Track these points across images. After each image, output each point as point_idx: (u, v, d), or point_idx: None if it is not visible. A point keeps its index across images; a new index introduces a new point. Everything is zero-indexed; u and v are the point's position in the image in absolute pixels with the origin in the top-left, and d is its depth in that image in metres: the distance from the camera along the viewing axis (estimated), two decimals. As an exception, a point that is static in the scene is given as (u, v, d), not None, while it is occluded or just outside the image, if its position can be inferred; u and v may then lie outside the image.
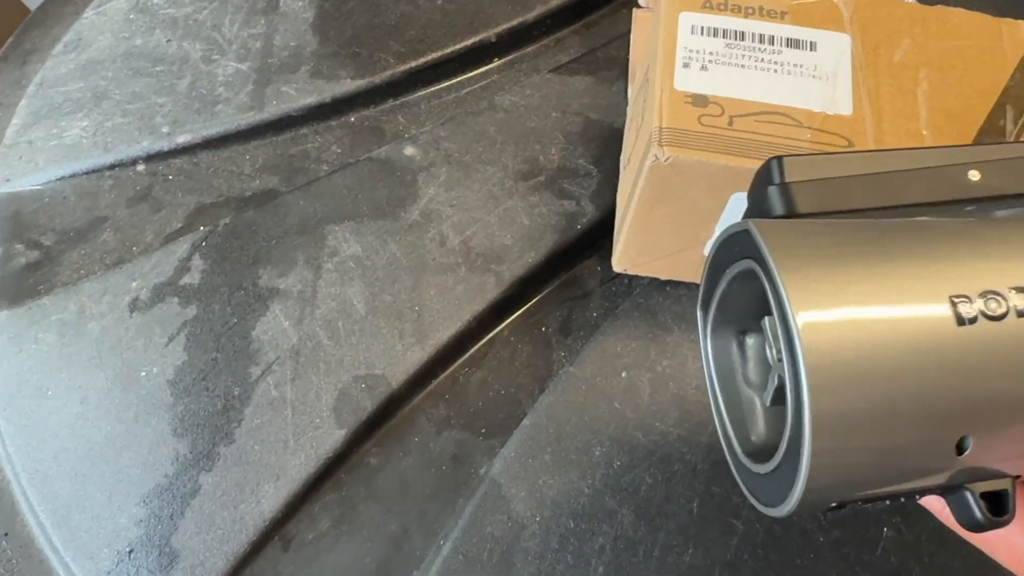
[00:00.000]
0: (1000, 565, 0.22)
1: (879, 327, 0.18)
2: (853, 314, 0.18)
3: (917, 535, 0.35)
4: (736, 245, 0.21)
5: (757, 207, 0.22)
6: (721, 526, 0.35)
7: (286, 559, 0.35)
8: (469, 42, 0.48)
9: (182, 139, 0.45)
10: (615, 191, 0.42)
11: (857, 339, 0.17)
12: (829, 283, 0.18)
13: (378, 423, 0.37)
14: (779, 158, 0.22)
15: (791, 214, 0.21)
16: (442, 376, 0.39)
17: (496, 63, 0.49)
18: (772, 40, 0.35)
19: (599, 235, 0.41)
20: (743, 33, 0.35)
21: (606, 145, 0.44)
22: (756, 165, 0.32)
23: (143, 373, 0.38)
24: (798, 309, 0.17)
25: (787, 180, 0.22)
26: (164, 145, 0.45)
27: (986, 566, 0.23)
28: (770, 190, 0.22)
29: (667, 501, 0.35)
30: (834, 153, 0.23)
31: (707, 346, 0.25)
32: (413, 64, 0.47)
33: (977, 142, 0.33)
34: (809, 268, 0.18)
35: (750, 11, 0.35)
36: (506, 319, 0.40)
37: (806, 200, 0.21)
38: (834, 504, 0.19)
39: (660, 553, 0.34)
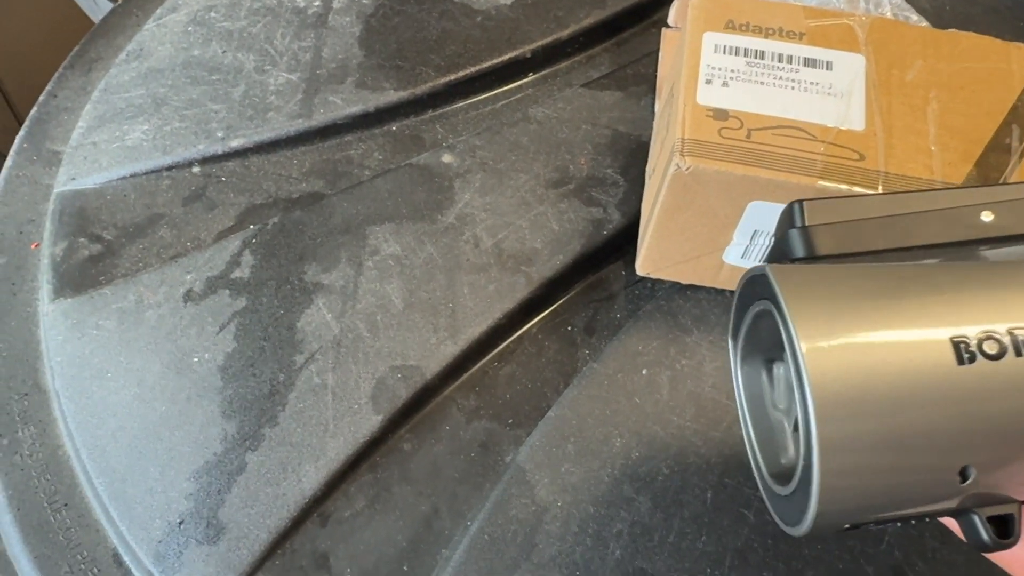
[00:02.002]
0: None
1: (883, 362, 0.19)
2: (858, 349, 0.19)
3: (920, 531, 0.36)
4: (757, 285, 0.22)
5: (780, 248, 0.24)
6: (733, 516, 0.37)
7: (324, 534, 0.38)
8: (506, 57, 0.50)
9: (235, 143, 0.48)
10: (640, 200, 0.44)
11: (861, 372, 0.19)
12: (836, 322, 0.20)
13: (412, 411, 0.40)
14: (800, 202, 0.23)
15: (810, 256, 0.23)
16: (473, 369, 0.41)
17: (531, 77, 0.52)
18: (790, 59, 0.37)
19: (624, 241, 0.43)
20: (763, 52, 0.37)
21: (632, 156, 0.46)
22: (771, 175, 0.34)
23: (195, 359, 0.41)
24: (804, 343, 0.19)
25: (807, 224, 0.23)
26: (218, 149, 0.48)
27: (988, 563, 0.25)
28: (791, 233, 0.23)
29: (682, 491, 0.37)
30: (853, 196, 0.24)
31: (737, 372, 0.26)
32: (452, 77, 0.49)
33: (983, 159, 0.35)
34: (818, 308, 0.20)
35: (770, 32, 0.38)
36: (534, 317, 0.43)
37: (825, 243, 0.23)
38: (847, 525, 0.21)
39: (675, 539, 0.36)
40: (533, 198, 0.45)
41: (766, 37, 0.38)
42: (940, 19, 0.54)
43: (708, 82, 0.36)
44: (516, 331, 0.42)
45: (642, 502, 0.37)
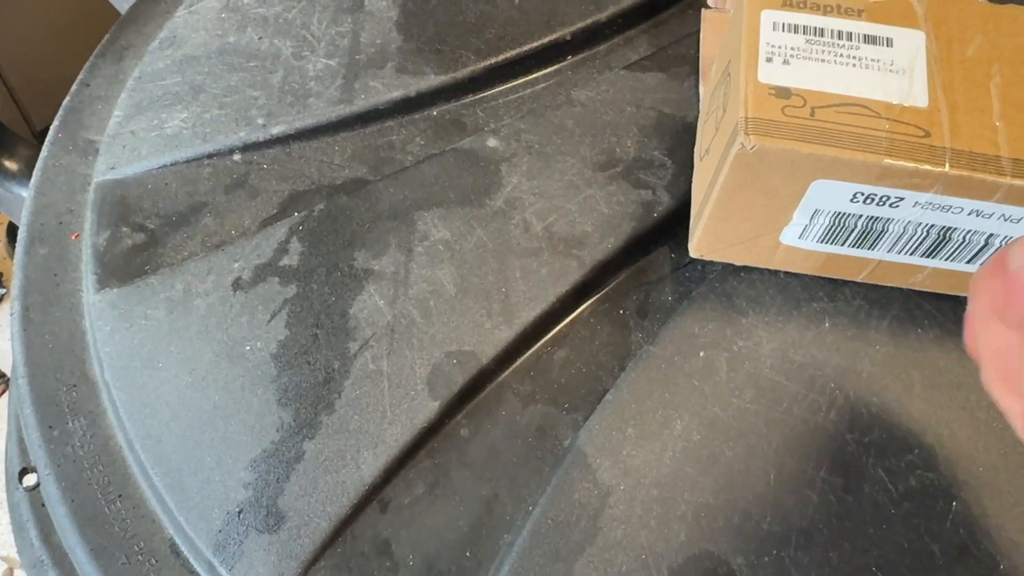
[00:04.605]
0: None
1: None
2: None
3: (984, 509, 0.36)
4: None
5: None
6: (797, 496, 0.36)
7: (384, 521, 0.38)
8: (545, 40, 0.50)
9: (276, 130, 0.47)
10: (689, 181, 0.44)
11: None
12: None
13: (468, 396, 0.40)
14: None
15: None
16: (527, 353, 0.41)
17: (569, 60, 0.51)
18: (850, 36, 0.37)
19: (674, 223, 0.43)
20: (822, 30, 0.37)
21: (679, 138, 0.46)
22: (837, 153, 0.34)
23: (248, 347, 0.41)
24: None
25: None
26: (259, 136, 0.47)
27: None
28: None
29: (745, 472, 0.37)
30: None
31: None
32: (493, 61, 0.49)
33: (1049, 133, 0.34)
34: None
35: (829, 9, 0.37)
36: (586, 301, 0.42)
37: None
38: None
39: (739, 520, 0.36)
40: (581, 181, 0.45)
41: (825, 14, 0.37)
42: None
43: (768, 60, 0.36)
44: (569, 315, 0.42)
45: (705, 484, 0.37)
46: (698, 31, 0.50)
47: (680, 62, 0.49)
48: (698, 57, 0.49)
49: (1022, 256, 0.22)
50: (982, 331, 0.24)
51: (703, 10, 0.51)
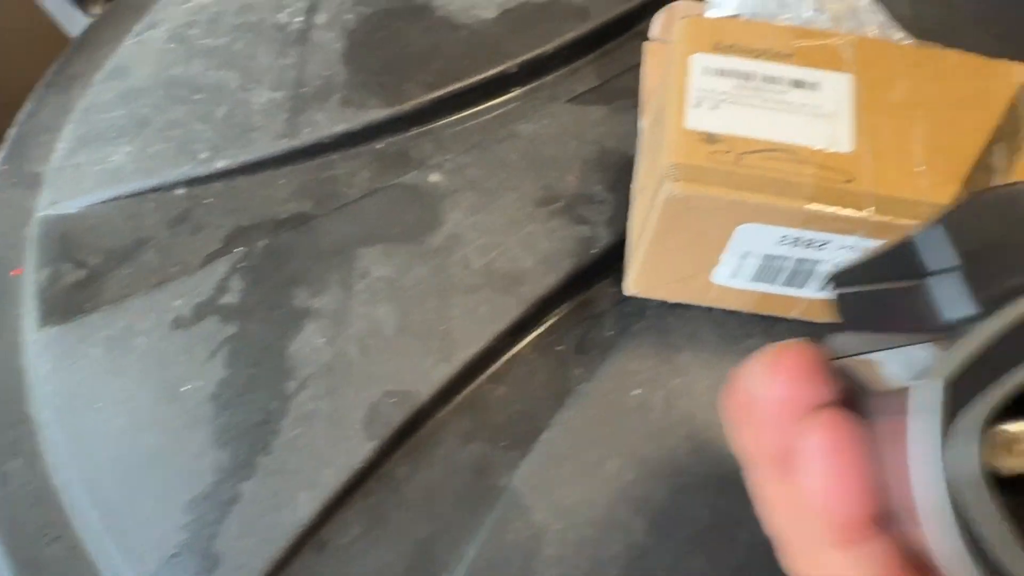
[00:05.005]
0: None
1: None
2: None
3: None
4: None
5: None
6: (728, 536, 0.37)
7: (320, 562, 0.38)
8: (491, 73, 0.50)
9: (220, 164, 0.47)
10: (627, 217, 0.44)
11: None
12: None
13: (406, 435, 0.40)
14: None
15: None
16: (466, 391, 0.41)
17: (516, 92, 0.51)
18: (778, 81, 0.37)
19: (613, 259, 0.44)
20: (751, 74, 0.37)
21: (620, 173, 0.46)
22: (761, 199, 0.34)
23: (186, 387, 0.41)
24: None
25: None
26: (203, 170, 0.47)
27: None
28: None
29: (677, 511, 0.37)
30: None
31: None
32: (438, 93, 0.49)
33: (969, 179, 0.35)
34: None
35: (758, 53, 0.38)
36: (526, 337, 0.43)
37: None
38: None
39: (671, 560, 0.36)
40: (522, 216, 0.45)
41: (754, 58, 0.38)
42: (923, 30, 0.55)
43: (696, 105, 0.36)
44: (508, 352, 0.42)
45: (638, 524, 0.37)
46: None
47: (624, 94, 0.50)
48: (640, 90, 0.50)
49: (752, 377, 0.21)
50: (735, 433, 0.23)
51: (645, 43, 0.51)
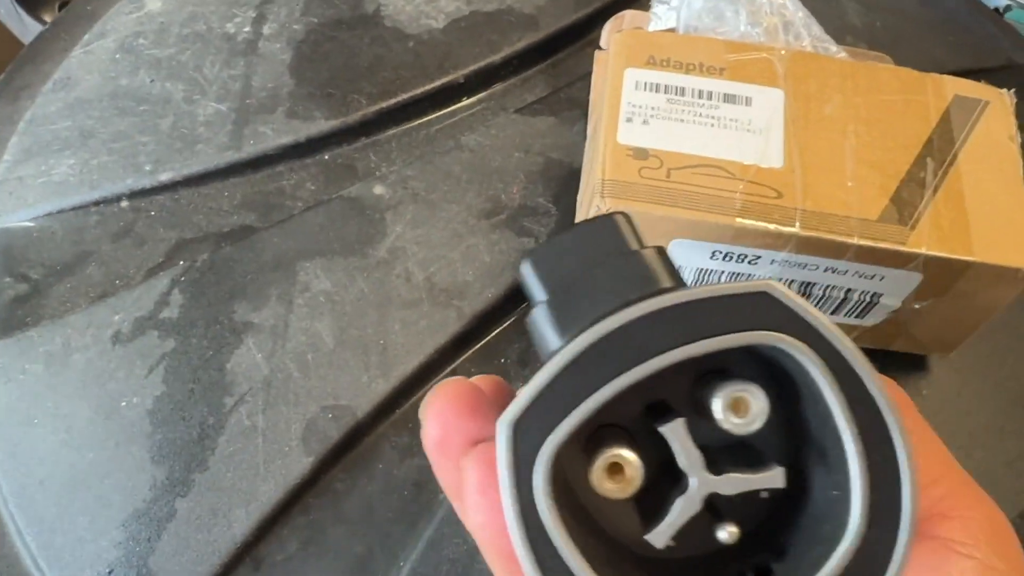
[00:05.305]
0: None
1: None
2: None
3: None
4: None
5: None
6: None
7: (256, 579, 0.38)
8: (438, 83, 0.50)
9: (164, 177, 0.47)
10: (572, 229, 0.44)
11: None
12: None
13: (344, 450, 0.40)
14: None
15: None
16: (406, 406, 0.41)
17: (465, 101, 0.51)
18: (710, 95, 0.37)
19: (556, 271, 0.44)
20: (683, 89, 0.37)
21: (565, 184, 0.46)
22: (690, 215, 0.34)
23: (124, 403, 0.41)
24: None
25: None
26: (147, 183, 0.47)
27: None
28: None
29: (612, 526, 0.37)
30: None
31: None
32: (384, 104, 0.49)
33: (897, 194, 0.35)
34: None
35: (691, 67, 0.38)
36: (467, 351, 0.43)
37: None
38: None
39: (605, 575, 0.36)
40: (465, 229, 0.45)
41: (687, 72, 0.38)
42: (872, 37, 0.55)
43: (629, 120, 0.36)
44: (448, 366, 0.42)
45: (573, 538, 0.37)
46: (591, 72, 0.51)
47: (571, 105, 0.50)
48: (588, 100, 0.50)
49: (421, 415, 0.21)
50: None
51: (596, 51, 0.51)
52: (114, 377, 0.41)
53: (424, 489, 0.39)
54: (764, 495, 0.18)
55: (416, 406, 0.41)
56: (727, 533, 0.18)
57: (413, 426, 0.41)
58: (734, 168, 0.35)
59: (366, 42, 0.52)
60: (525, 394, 0.17)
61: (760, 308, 0.17)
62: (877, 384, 0.17)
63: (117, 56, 0.53)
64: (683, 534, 0.18)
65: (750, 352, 0.18)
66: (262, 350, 0.41)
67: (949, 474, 0.19)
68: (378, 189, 0.46)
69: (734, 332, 0.17)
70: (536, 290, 0.19)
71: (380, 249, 0.44)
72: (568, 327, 0.18)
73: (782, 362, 0.17)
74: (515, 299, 0.43)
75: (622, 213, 0.20)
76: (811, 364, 0.17)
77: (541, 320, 0.18)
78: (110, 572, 0.37)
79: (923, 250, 0.34)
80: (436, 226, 0.45)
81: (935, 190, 0.36)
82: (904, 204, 0.35)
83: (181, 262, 0.45)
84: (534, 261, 0.19)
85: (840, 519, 0.17)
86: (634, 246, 0.19)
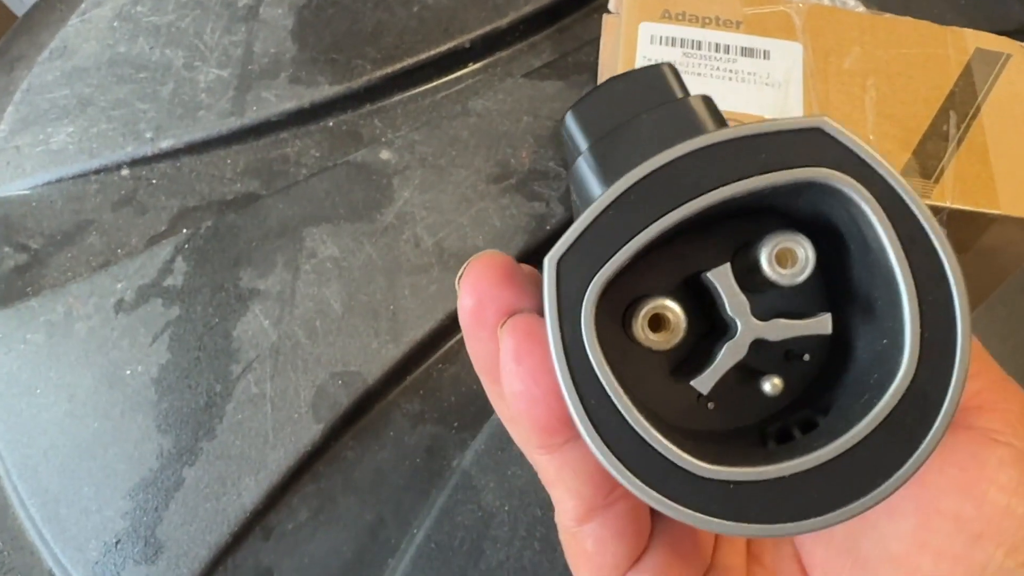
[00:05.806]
0: None
1: None
2: None
3: None
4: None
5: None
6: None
7: (267, 548, 0.37)
8: (443, 48, 0.49)
9: (165, 144, 0.46)
10: (583, 193, 0.43)
11: None
12: None
13: (354, 418, 0.39)
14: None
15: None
16: (416, 372, 0.40)
17: (471, 67, 0.50)
18: (728, 49, 0.36)
19: (568, 235, 0.43)
20: (700, 42, 0.36)
21: (575, 148, 0.45)
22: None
23: (128, 372, 0.40)
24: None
25: None
26: (148, 150, 0.46)
27: None
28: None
29: (630, 490, 0.37)
30: None
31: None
32: (389, 70, 0.48)
33: (920, 147, 0.34)
34: None
35: (707, 21, 0.37)
36: (478, 317, 0.42)
37: None
38: None
39: (623, 539, 0.36)
40: (474, 194, 0.44)
41: (703, 26, 0.37)
42: (884, 1, 0.54)
43: (644, 75, 0.35)
44: (459, 332, 0.41)
45: (590, 503, 0.36)
46: (599, 36, 0.50)
47: (580, 69, 0.49)
48: (597, 64, 0.49)
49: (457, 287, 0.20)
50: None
51: (604, 15, 0.50)
52: (118, 346, 0.40)
53: (436, 456, 0.39)
54: (806, 358, 0.18)
55: (428, 373, 0.40)
56: (771, 385, 0.17)
57: (424, 392, 0.40)
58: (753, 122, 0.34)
59: (369, 7, 0.50)
60: (572, 231, 0.16)
61: (813, 145, 0.16)
62: (931, 222, 0.16)
63: (115, 24, 0.51)
64: (725, 397, 0.17)
65: (791, 213, 0.17)
66: (269, 317, 0.40)
67: (986, 369, 0.19)
68: (385, 154, 0.45)
69: (786, 169, 0.16)
70: (579, 140, 0.18)
71: (388, 214, 0.43)
72: (613, 173, 0.17)
73: (827, 214, 0.17)
74: (527, 263, 0.42)
75: (668, 64, 0.19)
76: (864, 201, 0.16)
77: (584, 169, 0.18)
78: (117, 542, 0.37)
79: (947, 203, 0.33)
80: (445, 191, 0.44)
81: (959, 143, 0.35)
82: (927, 157, 0.34)
83: (184, 230, 0.44)
84: (577, 111, 0.19)
85: (890, 366, 0.16)
86: (679, 94, 0.18)
